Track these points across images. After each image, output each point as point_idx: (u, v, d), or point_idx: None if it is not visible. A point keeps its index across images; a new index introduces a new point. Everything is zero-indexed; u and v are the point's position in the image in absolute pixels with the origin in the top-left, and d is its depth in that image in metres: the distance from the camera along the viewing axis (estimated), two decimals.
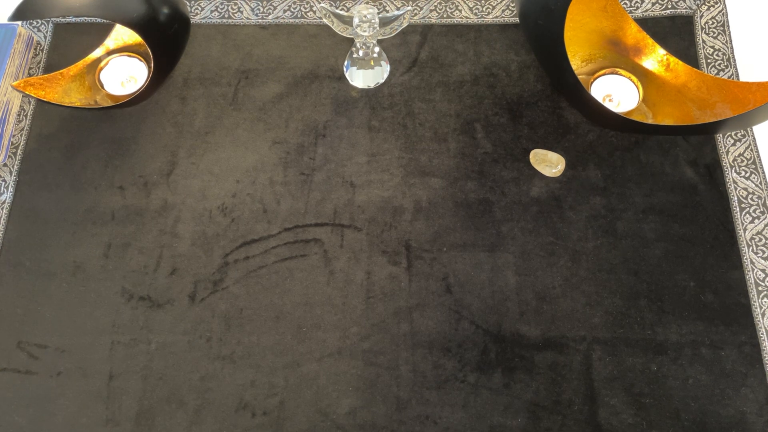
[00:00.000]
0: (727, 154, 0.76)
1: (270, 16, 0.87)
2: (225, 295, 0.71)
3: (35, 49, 0.86)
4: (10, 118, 0.81)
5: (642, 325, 0.69)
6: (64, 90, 0.78)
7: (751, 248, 0.72)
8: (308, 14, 0.87)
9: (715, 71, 0.81)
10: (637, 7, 0.85)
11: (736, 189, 0.74)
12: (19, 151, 0.80)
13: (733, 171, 0.75)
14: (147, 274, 0.72)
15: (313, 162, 0.78)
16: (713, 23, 0.83)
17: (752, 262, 0.71)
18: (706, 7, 0.84)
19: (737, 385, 0.66)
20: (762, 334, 0.68)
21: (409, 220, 0.74)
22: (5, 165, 0.79)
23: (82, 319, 0.71)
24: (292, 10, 0.87)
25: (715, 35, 0.83)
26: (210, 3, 0.88)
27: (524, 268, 0.72)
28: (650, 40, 0.78)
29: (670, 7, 0.85)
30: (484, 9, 0.86)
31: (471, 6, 0.86)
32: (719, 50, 0.82)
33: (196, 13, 0.87)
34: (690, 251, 0.72)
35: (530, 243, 0.73)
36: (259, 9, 0.87)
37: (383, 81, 0.82)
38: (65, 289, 0.72)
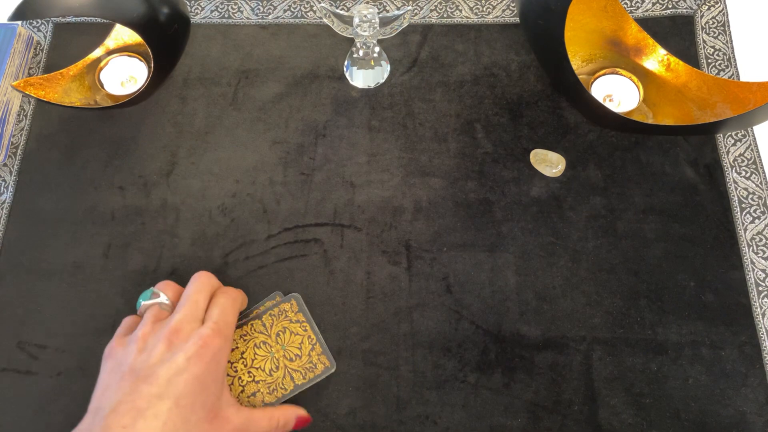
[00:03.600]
0: (728, 154, 0.76)
1: (270, 16, 0.87)
2: None
3: (35, 49, 0.86)
4: (10, 118, 0.81)
5: (642, 325, 0.69)
6: (64, 90, 0.78)
7: (751, 248, 0.72)
8: (308, 14, 0.87)
9: (716, 71, 0.81)
10: (638, 7, 0.85)
11: (736, 189, 0.74)
12: (19, 151, 0.80)
13: (733, 171, 0.75)
14: (147, 274, 0.72)
15: (313, 162, 0.78)
16: (713, 23, 0.83)
17: (752, 262, 0.71)
18: (707, 7, 0.84)
19: (737, 385, 0.66)
20: (762, 334, 0.68)
21: (409, 220, 0.74)
22: (5, 165, 0.79)
23: (82, 319, 0.71)
24: (292, 10, 0.87)
25: (715, 35, 0.83)
26: (210, 3, 0.88)
27: (524, 268, 0.71)
28: (651, 40, 0.77)
29: (670, 7, 0.85)
30: (484, 9, 0.86)
31: (471, 6, 0.86)
32: (720, 50, 0.82)
33: (196, 13, 0.87)
34: (690, 251, 0.72)
35: (530, 243, 0.73)
36: (259, 9, 0.87)
37: (383, 81, 0.82)
38: (65, 289, 0.72)
